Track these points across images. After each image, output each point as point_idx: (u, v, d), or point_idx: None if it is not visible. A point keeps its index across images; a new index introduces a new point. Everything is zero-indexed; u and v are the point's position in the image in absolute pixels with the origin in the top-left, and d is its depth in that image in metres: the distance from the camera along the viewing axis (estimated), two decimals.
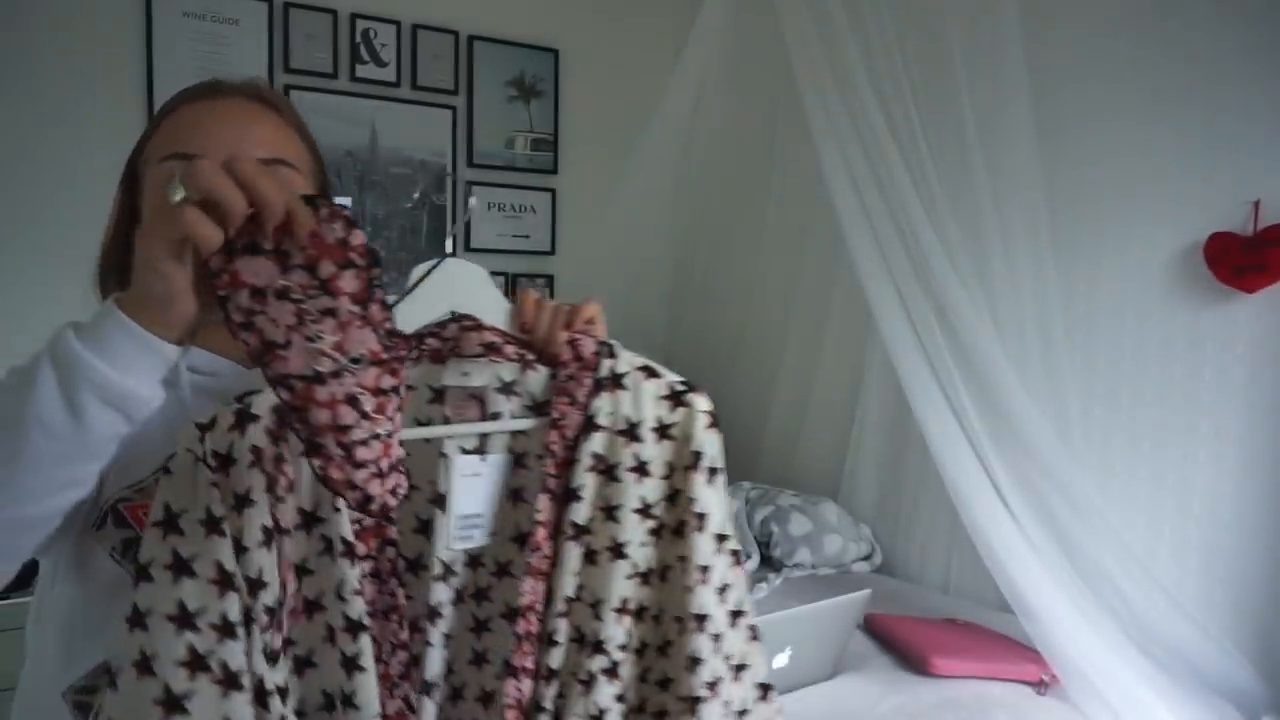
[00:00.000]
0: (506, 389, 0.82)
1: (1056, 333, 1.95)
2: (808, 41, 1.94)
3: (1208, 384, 1.85)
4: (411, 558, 0.82)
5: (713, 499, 0.81)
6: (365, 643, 0.72)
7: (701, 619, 0.80)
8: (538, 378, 0.83)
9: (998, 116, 1.91)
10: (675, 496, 0.82)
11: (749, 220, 3.02)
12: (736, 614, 0.83)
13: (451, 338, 0.80)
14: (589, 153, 3.20)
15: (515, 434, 0.83)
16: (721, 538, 0.82)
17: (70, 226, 2.20)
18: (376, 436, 0.61)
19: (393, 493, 0.64)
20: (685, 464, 0.81)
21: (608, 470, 0.81)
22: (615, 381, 0.82)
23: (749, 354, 3.08)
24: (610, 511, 0.81)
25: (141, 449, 0.75)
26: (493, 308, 0.83)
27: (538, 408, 0.83)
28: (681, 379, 0.84)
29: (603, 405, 0.81)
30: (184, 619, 0.65)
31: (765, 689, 0.84)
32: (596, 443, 0.80)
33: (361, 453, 0.61)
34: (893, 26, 1.88)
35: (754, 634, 0.85)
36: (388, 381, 0.62)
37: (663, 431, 0.82)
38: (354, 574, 0.72)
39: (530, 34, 3.10)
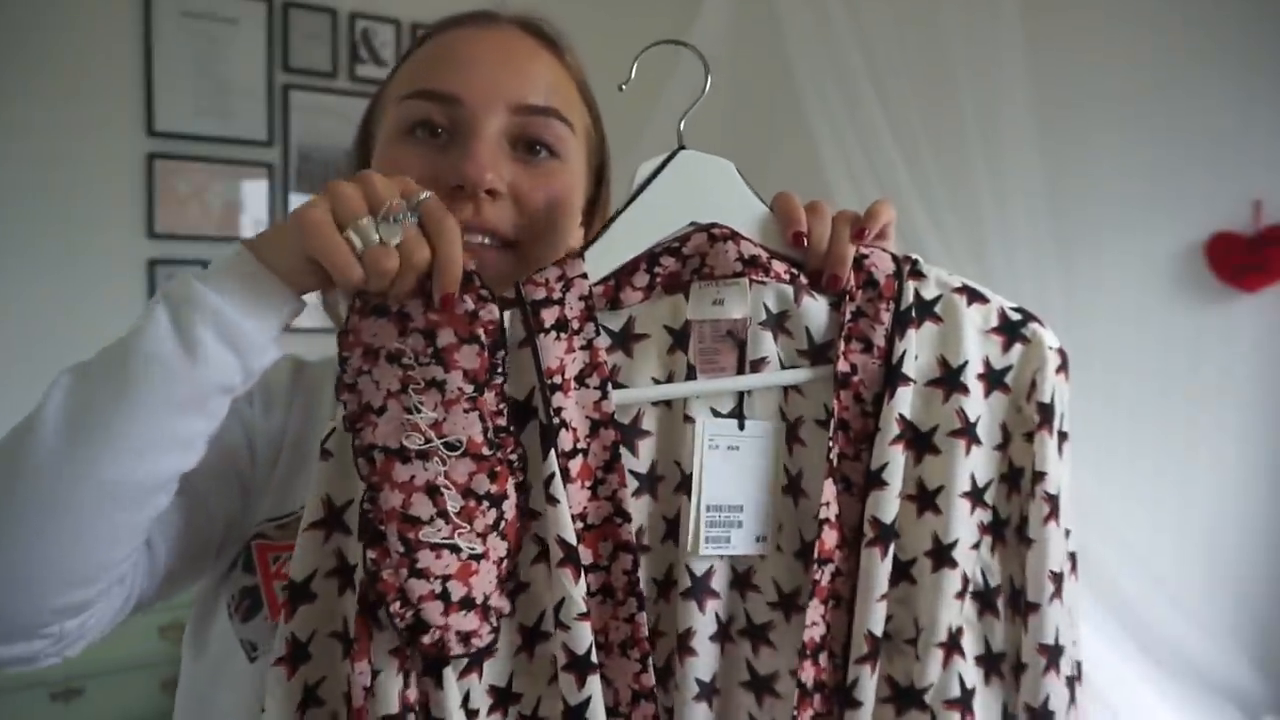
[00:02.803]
0: (776, 323, 0.57)
1: (1058, 332, 1.94)
2: (807, 40, 1.93)
3: (1209, 383, 1.84)
4: (661, 577, 0.57)
5: (1064, 476, 0.57)
6: (595, 688, 0.50)
7: (1055, 653, 0.55)
8: (816, 309, 0.57)
9: (998, 115, 1.89)
10: (1016, 475, 0.57)
11: None
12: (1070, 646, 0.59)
13: (695, 254, 0.56)
14: None
15: (788, 392, 0.58)
16: (1067, 534, 0.58)
17: (68, 226, 2.20)
18: (455, 550, 0.49)
19: (464, 638, 0.49)
20: (1028, 426, 0.57)
21: (922, 439, 0.56)
22: (924, 311, 0.57)
23: None
24: (929, 499, 0.56)
25: (300, 467, 0.65)
26: (747, 215, 0.58)
27: (816, 353, 0.57)
28: (1015, 305, 0.59)
29: (909, 347, 0.56)
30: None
31: None
32: (903, 402, 0.55)
33: (426, 559, 0.49)
34: (893, 24, 1.87)
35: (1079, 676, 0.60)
36: (483, 485, 0.50)
37: (994, 379, 0.57)
38: (578, 591, 0.51)
39: None
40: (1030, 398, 0.57)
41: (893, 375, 0.56)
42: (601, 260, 0.56)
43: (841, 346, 0.56)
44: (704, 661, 0.56)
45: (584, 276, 0.55)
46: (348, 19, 2.73)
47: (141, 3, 2.32)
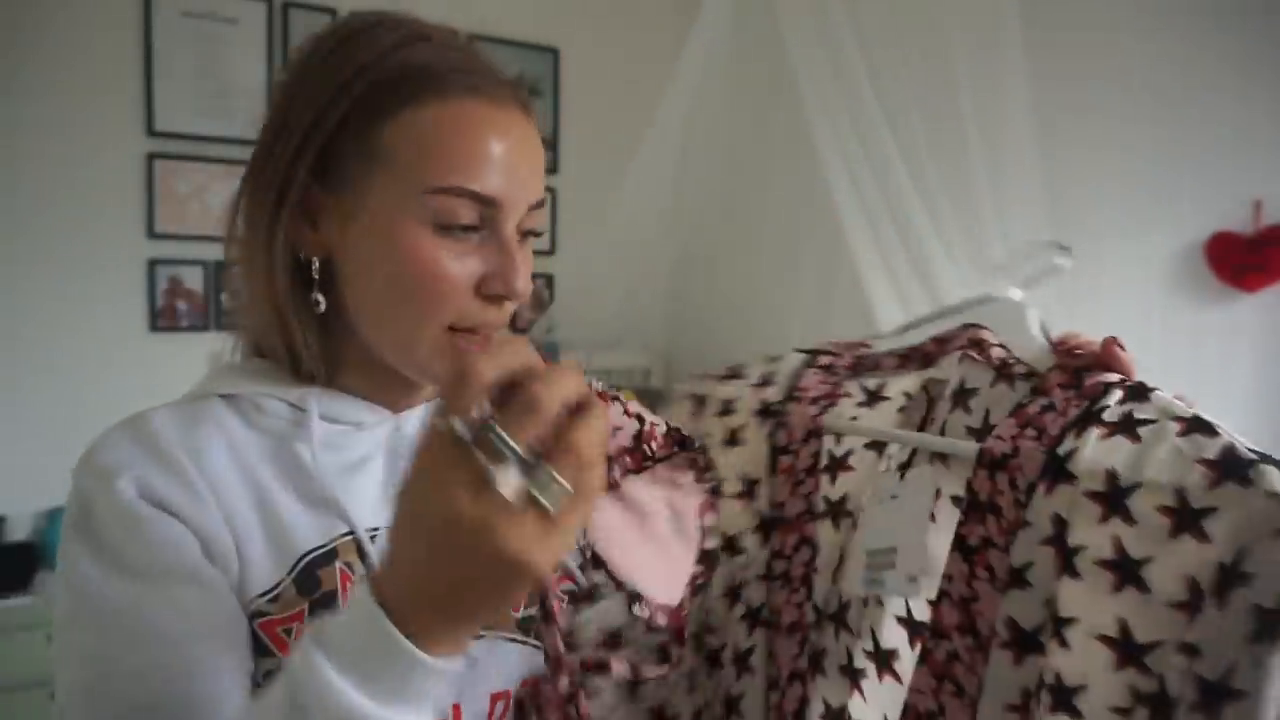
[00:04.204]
0: (960, 397, 0.61)
1: (1057, 330, 1.94)
2: (807, 41, 1.93)
3: (1209, 383, 1.83)
4: (821, 604, 0.63)
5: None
6: (759, 640, 0.61)
7: None
8: (1007, 398, 0.57)
9: (998, 117, 1.89)
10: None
11: (749, 219, 3.02)
12: None
13: (945, 339, 0.63)
14: (589, 152, 3.17)
15: (941, 462, 0.60)
16: None
17: (68, 226, 2.20)
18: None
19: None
20: (1244, 631, 0.41)
21: (1067, 552, 0.48)
22: (1124, 425, 0.49)
23: (750, 354, 3.07)
24: (1057, 626, 0.47)
25: (257, 533, 0.62)
26: (1032, 347, 0.62)
27: (980, 435, 0.57)
28: (1256, 447, 0.45)
29: (1085, 447, 0.49)
30: None
31: None
32: (1061, 502, 0.48)
33: None
34: (893, 26, 1.87)
35: None
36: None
37: (1185, 518, 0.44)
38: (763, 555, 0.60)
39: (530, 34, 3.08)
40: (1236, 570, 0.42)
41: (1053, 465, 0.49)
42: (883, 345, 0.70)
43: (1010, 429, 0.53)
44: (831, 685, 0.61)
45: (866, 346, 0.69)
46: None
47: (141, 3, 2.31)
